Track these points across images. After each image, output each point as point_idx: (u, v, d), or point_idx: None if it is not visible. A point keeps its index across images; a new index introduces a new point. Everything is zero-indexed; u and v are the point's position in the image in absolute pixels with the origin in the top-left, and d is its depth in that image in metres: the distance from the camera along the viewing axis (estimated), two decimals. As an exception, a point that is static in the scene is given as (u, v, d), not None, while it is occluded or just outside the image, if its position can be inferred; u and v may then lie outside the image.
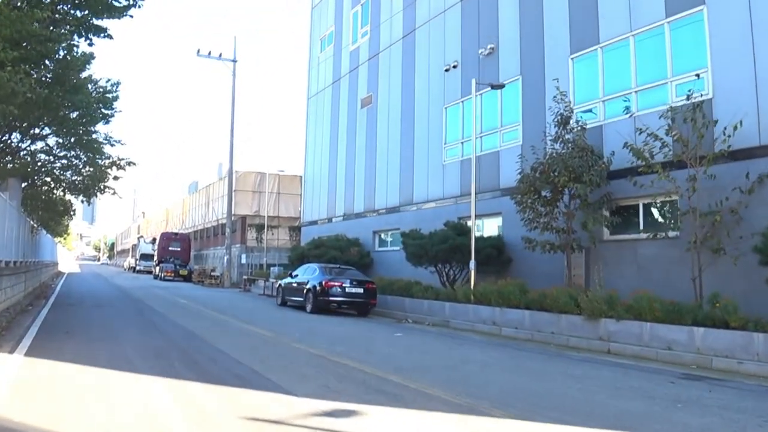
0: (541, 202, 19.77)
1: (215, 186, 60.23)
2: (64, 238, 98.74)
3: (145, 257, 70.20)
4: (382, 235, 33.31)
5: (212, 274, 46.63)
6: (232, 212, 46.00)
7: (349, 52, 38.09)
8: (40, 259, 34.83)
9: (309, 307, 23.04)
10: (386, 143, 32.81)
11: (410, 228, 28.85)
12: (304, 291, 23.59)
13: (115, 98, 24.58)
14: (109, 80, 24.04)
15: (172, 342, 13.35)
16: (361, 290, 22.80)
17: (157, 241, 62.01)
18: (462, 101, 27.39)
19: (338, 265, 25.37)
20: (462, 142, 27.15)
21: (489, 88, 23.18)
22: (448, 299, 21.28)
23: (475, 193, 24.88)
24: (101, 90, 23.80)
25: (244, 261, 45.32)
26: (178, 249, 57.99)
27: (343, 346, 13.37)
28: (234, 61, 46.58)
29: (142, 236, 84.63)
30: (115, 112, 25.69)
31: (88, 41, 18.43)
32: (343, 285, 22.60)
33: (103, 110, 24.77)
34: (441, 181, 28.14)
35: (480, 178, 25.62)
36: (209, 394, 7.96)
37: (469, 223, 24.92)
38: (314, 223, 40.75)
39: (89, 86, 23.46)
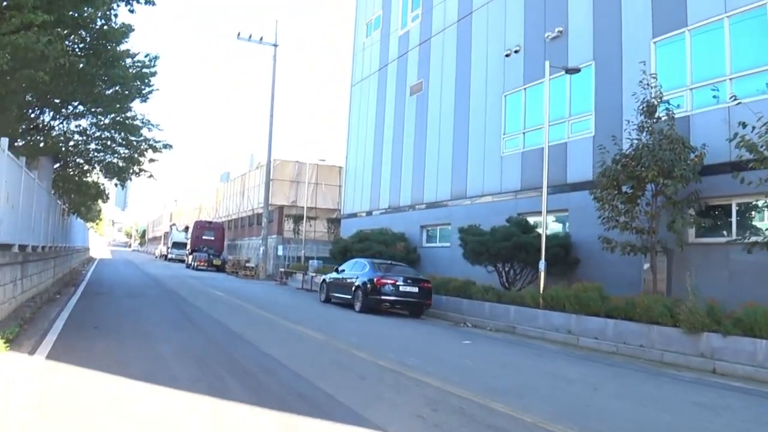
0: (621, 198, 17.73)
1: (251, 175, 58.69)
2: (97, 224, 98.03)
3: (178, 245, 68.95)
4: (430, 230, 31.40)
5: (247, 265, 45.05)
6: (269, 202, 44.33)
7: (397, 37, 36.18)
8: (71, 244, 33.40)
9: (358, 306, 21.20)
10: (437, 133, 30.86)
11: (461, 223, 27.02)
12: (353, 288, 21.75)
13: (153, 74, 22.83)
14: (147, 54, 22.29)
15: (214, 343, 11.58)
16: (415, 289, 20.90)
17: (191, 230, 60.70)
18: (524, 88, 25.38)
19: (389, 261, 23.48)
20: (524, 133, 25.15)
21: (558, 74, 21.17)
22: (513, 302, 19.32)
23: (548, 187, 23.15)
24: (139, 65, 22.06)
25: (281, 253, 43.56)
26: (212, 238, 56.54)
27: (413, 356, 11.48)
28: (275, 45, 44.96)
29: (174, 224, 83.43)
30: (153, 89, 23.95)
31: (128, 6, 16.69)
32: (397, 283, 20.71)
33: (140, 87, 23.06)
34: (498, 174, 26.16)
35: (543, 172, 23.72)
36: (273, 425, 6.12)
37: (532, 219, 23.10)
38: (355, 215, 38.95)
39: (127, 60, 21.75)
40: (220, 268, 50.19)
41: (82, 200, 33.46)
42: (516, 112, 25.86)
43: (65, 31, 13.67)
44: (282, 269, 39.36)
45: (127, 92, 22.38)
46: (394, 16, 36.98)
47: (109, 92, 22.17)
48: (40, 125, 21.93)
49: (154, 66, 22.61)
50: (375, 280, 20.78)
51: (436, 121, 31.08)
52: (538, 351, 14.45)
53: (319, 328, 15.11)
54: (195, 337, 12.36)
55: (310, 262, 36.48)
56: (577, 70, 20.33)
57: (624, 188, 17.75)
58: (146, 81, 23.15)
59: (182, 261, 64.66)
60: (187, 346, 11.03)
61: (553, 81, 23.88)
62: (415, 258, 29.85)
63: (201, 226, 58.40)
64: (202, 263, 50.27)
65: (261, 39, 44.42)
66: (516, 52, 26.01)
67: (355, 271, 22.46)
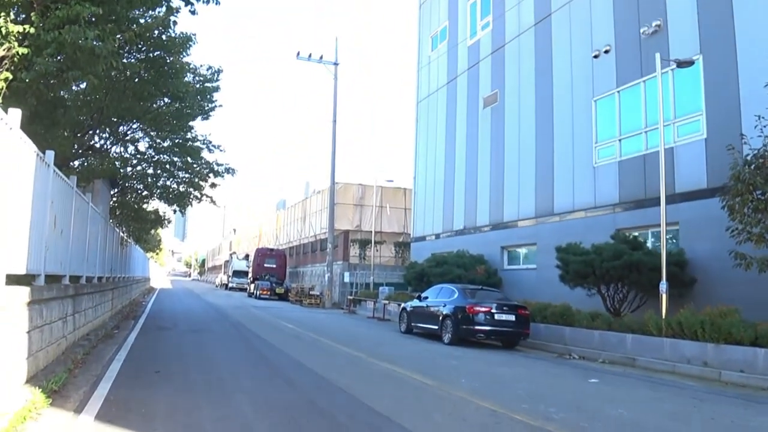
0: (757, 205, 15.11)
1: (312, 199, 56.98)
2: (156, 254, 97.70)
3: (238, 274, 67.50)
4: (512, 252, 28.94)
5: (311, 293, 43.04)
6: (333, 227, 42.37)
7: (466, 47, 34.02)
8: (130, 274, 31.86)
9: (447, 337, 18.85)
10: (517, 145, 28.49)
11: (550, 243, 24.71)
12: (440, 317, 19.44)
13: (216, 89, 21.09)
14: (210, 67, 20.53)
15: (300, 392, 9.45)
16: (512, 317, 18.48)
17: (252, 258, 59.14)
18: (618, 91, 22.95)
19: (480, 287, 21.06)
20: (619, 140, 22.67)
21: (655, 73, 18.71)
22: (628, 330, 16.77)
23: (646, 199, 20.75)
24: (201, 78, 20.32)
25: (347, 279, 41.40)
26: (274, 266, 54.80)
27: (549, 404, 9.13)
28: (335, 63, 43.25)
29: (234, 252, 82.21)
30: (216, 105, 22.20)
31: (189, 6, 14.82)
32: (491, 311, 18.31)
33: (201, 103, 21.33)
34: (591, 187, 23.67)
35: (646, 182, 21.24)
36: None
37: (640, 236, 20.62)
38: (425, 238, 36.71)
39: (188, 75, 20.00)
40: (282, 297, 48.34)
41: (142, 226, 31.90)
42: (609, 117, 23.41)
43: (119, 36, 11.69)
44: (349, 297, 37.20)
45: (188, 110, 20.64)
46: (461, 26, 34.86)
47: (168, 109, 20.52)
48: (96, 146, 20.22)
49: (217, 80, 20.84)
50: (466, 308, 18.43)
51: (515, 133, 28.73)
52: (681, 391, 11.90)
53: (416, 367, 12.83)
54: (275, 383, 10.23)
55: (380, 288, 34.27)
56: (690, 63, 17.87)
57: (757, 193, 15.17)
58: (208, 96, 21.39)
59: (243, 290, 63.18)
60: (269, 397, 8.91)
61: (649, 81, 21.64)
62: (497, 282, 27.41)
63: (263, 254, 56.76)
64: (264, 292, 48.47)
65: (321, 58, 42.78)
66: (606, 52, 23.63)
67: (442, 298, 20.16)
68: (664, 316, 16.26)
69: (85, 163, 19.96)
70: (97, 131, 19.43)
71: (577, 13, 25.51)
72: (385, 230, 46.54)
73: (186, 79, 19.53)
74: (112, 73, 13.27)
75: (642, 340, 16.23)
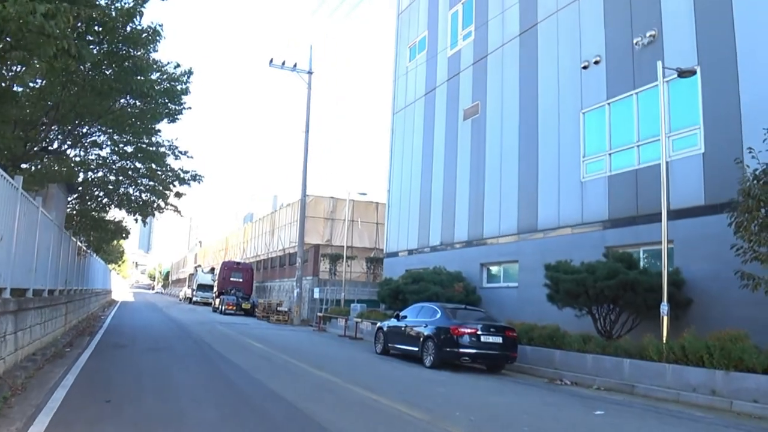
0: (761, 224, 14.05)
1: (282, 212, 55.35)
2: (119, 266, 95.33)
3: (203, 288, 65.50)
4: (492, 269, 27.72)
5: (279, 309, 41.39)
6: (303, 241, 40.87)
7: (446, 57, 32.92)
8: (89, 286, 30.11)
9: (429, 360, 17.48)
10: (498, 159, 27.35)
11: (533, 260, 23.80)
12: (421, 339, 18.09)
13: (185, 91, 19.59)
14: (178, 65, 19.01)
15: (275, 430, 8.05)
16: (499, 340, 17.19)
17: (218, 271, 57.30)
18: (608, 103, 21.92)
19: (463, 306, 19.74)
20: (609, 154, 21.61)
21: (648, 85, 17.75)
22: (626, 355, 15.59)
23: (638, 216, 19.73)
24: (168, 77, 18.80)
25: (317, 295, 39.79)
26: (241, 280, 53.08)
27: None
28: (310, 72, 41.99)
29: (199, 265, 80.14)
30: (184, 107, 20.71)
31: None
32: (477, 332, 16.98)
33: (168, 104, 19.83)
34: (578, 203, 22.57)
35: (638, 198, 20.22)
36: None
37: (637, 253, 19.54)
38: (398, 254, 35.37)
39: (155, 74, 18.49)
40: (249, 312, 46.59)
41: (102, 236, 30.13)
42: (598, 131, 22.37)
43: (75, 14, 10.24)
44: (319, 314, 35.67)
45: (153, 111, 19.15)
46: (441, 36, 33.77)
47: (131, 109, 19.03)
48: (51, 147, 18.57)
49: (187, 82, 19.35)
50: (450, 329, 17.10)
51: (497, 146, 27.59)
52: (701, 425, 10.69)
53: (401, 396, 11.48)
54: (244, 415, 8.82)
55: (352, 306, 32.84)
56: (692, 72, 16.87)
57: (764, 211, 14.13)
58: (176, 99, 19.91)
59: (208, 304, 61.28)
60: (239, 437, 7.52)
61: (642, 94, 20.68)
62: (476, 300, 26.12)
63: (229, 267, 55.00)
64: (230, 307, 46.67)
65: (295, 66, 41.46)
66: (596, 63, 22.62)
67: (423, 318, 18.83)
68: (665, 340, 15.12)
69: (39, 165, 18.32)
70: (53, 130, 17.77)
71: (565, 23, 24.52)
72: (356, 245, 45.13)
73: (152, 77, 18.06)
74: (69, 62, 11.78)
75: (641, 365, 15.05)
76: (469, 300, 25.40)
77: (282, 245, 53.07)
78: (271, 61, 41.00)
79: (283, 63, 41.28)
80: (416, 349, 18.31)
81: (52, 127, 17.06)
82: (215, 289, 55.89)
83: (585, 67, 23.06)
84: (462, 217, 29.43)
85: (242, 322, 36.78)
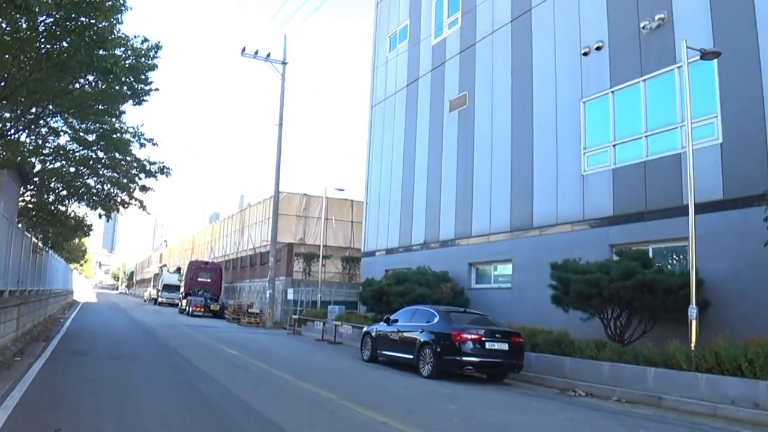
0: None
1: (252, 210, 53.24)
2: (81, 265, 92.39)
3: (169, 288, 63.04)
4: (482, 269, 26.04)
5: (250, 311, 39.31)
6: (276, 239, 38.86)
7: (430, 46, 31.22)
8: (47, 287, 27.89)
9: (426, 370, 15.69)
10: (489, 152, 25.69)
11: (528, 259, 22.39)
12: (417, 345, 16.29)
13: (152, 67, 17.59)
14: (145, 40, 16.98)
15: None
16: (505, 346, 15.46)
17: (184, 271, 54.95)
18: (611, 91, 20.40)
19: (463, 309, 17.95)
20: (613, 145, 20.07)
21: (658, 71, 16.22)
22: (648, 363, 13.98)
23: (648, 212, 18.25)
24: (133, 52, 16.78)
25: (291, 297, 37.71)
26: (209, 280, 50.83)
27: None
28: (284, 63, 39.95)
29: (165, 265, 77.63)
30: (151, 89, 18.72)
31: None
32: (482, 339, 15.25)
33: (133, 83, 17.83)
34: (579, 198, 21.00)
35: (647, 193, 18.70)
36: None
37: (647, 252, 17.98)
38: (377, 253, 33.57)
39: (118, 50, 16.44)
40: (218, 314, 44.42)
41: (61, 231, 27.88)
42: (600, 121, 20.83)
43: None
44: (295, 316, 33.70)
45: (117, 89, 17.15)
46: (424, 25, 32.06)
47: (93, 89, 17.02)
48: None
49: (154, 57, 17.36)
50: (452, 335, 15.33)
51: (487, 139, 25.93)
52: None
53: (410, 417, 9.73)
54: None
55: (329, 308, 30.95)
56: (716, 54, 15.33)
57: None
58: (142, 77, 17.92)
59: (174, 305, 58.92)
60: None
61: (651, 81, 19.20)
62: (464, 302, 24.38)
63: (196, 267, 52.70)
64: (198, 309, 44.43)
65: (268, 56, 39.43)
66: (598, 49, 21.08)
67: (417, 322, 17.05)
68: (693, 346, 13.56)
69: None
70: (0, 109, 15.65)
71: (562, 7, 22.97)
72: (330, 244, 43.16)
73: (117, 52, 16.07)
74: (13, 18, 9.87)
75: (667, 374, 13.44)
76: (458, 302, 23.76)
77: (252, 244, 50.99)
78: (244, 50, 38.96)
79: (256, 52, 39.25)
80: (410, 356, 16.54)
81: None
82: (182, 289, 53.60)
83: (585, 54, 21.52)
84: (448, 214, 27.72)
85: (211, 324, 34.70)
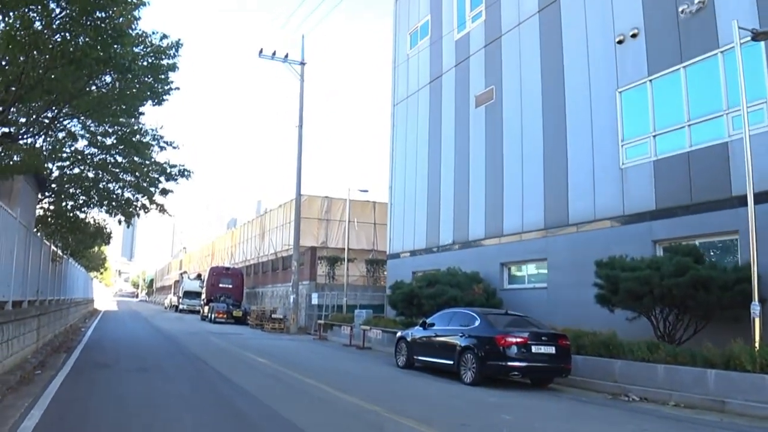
0: None
1: (272, 214, 52.54)
2: (101, 273, 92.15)
3: (190, 295, 62.57)
4: (515, 268, 25.14)
5: (273, 316, 38.56)
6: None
7: (453, 41, 30.35)
8: (68, 296, 27.26)
9: (469, 376, 14.82)
10: (519, 147, 24.80)
11: (565, 258, 21.46)
12: (457, 350, 15.41)
13: (172, 67, 16.83)
14: (164, 36, 16.20)
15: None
16: (552, 350, 14.57)
17: (206, 277, 54.35)
18: (649, 80, 19.46)
19: (504, 311, 17.00)
20: (653, 136, 19.13)
21: (702, 55, 15.28)
22: (706, 364, 13.05)
23: (693, 204, 17.34)
24: (152, 49, 16.00)
25: (315, 301, 36.93)
26: (230, 286, 50.18)
27: None
28: (302, 63, 39.27)
29: (185, 271, 77.08)
30: (171, 88, 17.98)
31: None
32: (528, 342, 14.36)
33: (153, 83, 17.09)
34: (618, 192, 20.06)
35: (692, 184, 17.76)
36: None
37: (695, 245, 17.01)
38: (402, 255, 32.68)
39: (136, 48, 15.65)
40: (240, 321, 43.69)
41: (81, 238, 27.19)
42: (638, 111, 19.89)
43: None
44: (320, 321, 32.90)
45: (136, 89, 16.42)
46: (446, 19, 31.19)
47: (110, 91, 16.29)
48: (12, 131, 15.66)
49: (174, 56, 16.58)
50: (495, 338, 14.45)
51: (516, 133, 25.03)
52: None
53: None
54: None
55: (356, 312, 30.14)
56: (768, 34, 14.34)
57: None
58: (162, 77, 17.16)
59: (195, 312, 58.44)
60: None
61: (691, 68, 18.32)
62: (497, 303, 23.53)
63: (217, 273, 52.07)
64: (220, 315, 43.75)
65: (286, 56, 38.73)
66: (633, 36, 20.14)
67: (456, 325, 16.18)
68: (757, 347, 12.62)
69: (1, 154, 15.49)
70: (15, 112, 14.88)
71: (593, -6, 22.07)
72: (353, 247, 42.39)
73: (135, 50, 15.31)
74: (33, 15, 9.13)
75: (730, 377, 12.50)
76: (491, 303, 22.93)
77: (273, 248, 50.28)
78: (261, 51, 38.31)
79: (274, 53, 38.59)
80: (450, 362, 15.66)
81: (14, 108, 14.20)
82: (203, 296, 53.04)
83: (620, 42, 20.60)
84: (477, 213, 26.83)
85: (235, 331, 33.98)
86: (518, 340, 14.30)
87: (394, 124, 35.49)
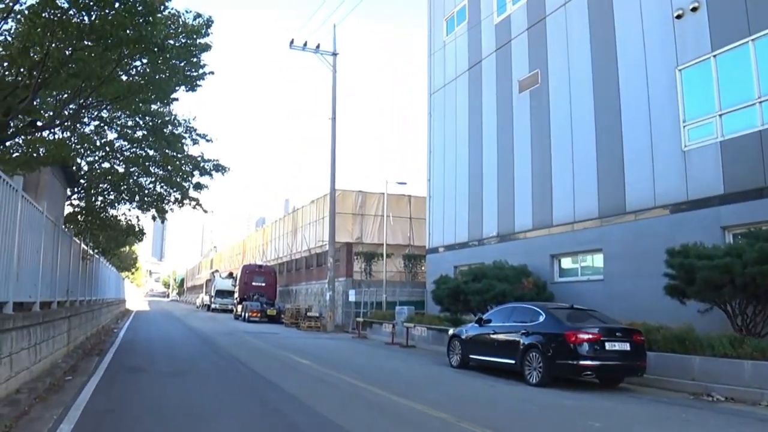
0: None
1: (305, 210, 51.51)
2: (133, 273, 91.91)
3: (222, 294, 61.85)
4: (567, 260, 23.82)
5: (309, 314, 37.48)
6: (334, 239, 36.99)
7: (492, 25, 29.07)
8: (99, 296, 26.41)
9: (535, 376, 13.60)
10: (568, 132, 23.48)
11: (623, 248, 20.29)
12: (520, 348, 14.17)
13: (206, 47, 15.71)
14: (197, 15, 15.05)
15: None
16: (626, 346, 13.27)
17: (238, 275, 53.49)
18: (714, 55, 18.09)
19: (570, 306, 15.64)
20: (719, 115, 17.76)
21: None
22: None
23: (770, 187, 15.92)
24: (184, 29, 14.86)
25: (352, 298, 35.84)
26: (263, 284, 49.25)
27: None
28: (334, 54, 38.14)
29: (217, 270, 76.40)
30: (205, 73, 16.89)
31: None
32: (601, 338, 13.10)
33: (185, 67, 16.01)
34: (681, 176, 18.71)
35: (766, 164, 16.39)
36: None
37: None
38: (442, 249, 31.46)
39: (169, 27, 14.52)
40: (274, 319, 42.75)
41: (112, 235, 26.23)
42: (701, 89, 18.52)
43: None
44: (359, 319, 31.76)
45: (168, 71, 15.34)
46: (485, 3, 29.89)
47: (141, 75, 15.26)
48: (38, 122, 14.58)
49: (206, 34, 15.46)
50: (565, 335, 13.19)
51: (565, 118, 23.72)
52: None
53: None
54: None
55: (397, 309, 28.97)
56: None
57: None
58: (194, 58, 16.08)
59: (227, 311, 57.73)
60: None
61: (760, 40, 16.98)
62: (548, 297, 22.28)
63: (250, 271, 51.14)
64: (254, 314, 42.84)
65: (318, 47, 37.63)
66: (693, 10, 18.75)
67: (517, 321, 14.94)
68: None
69: (21, 144, 14.44)
70: (38, 98, 13.80)
71: (646, -33, 20.69)
72: (389, 242, 41.27)
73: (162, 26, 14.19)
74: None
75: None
76: (541, 297, 21.69)
77: (307, 245, 49.27)
78: (292, 42, 37.31)
79: (305, 44, 37.56)
80: (512, 361, 14.43)
81: (38, 94, 13.14)
82: (236, 295, 52.23)
83: (679, 17, 19.23)
84: (524, 203, 25.53)
85: (271, 330, 32.97)
86: (591, 336, 13.03)
87: (431, 113, 34.24)
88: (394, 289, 36.48)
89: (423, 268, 38.08)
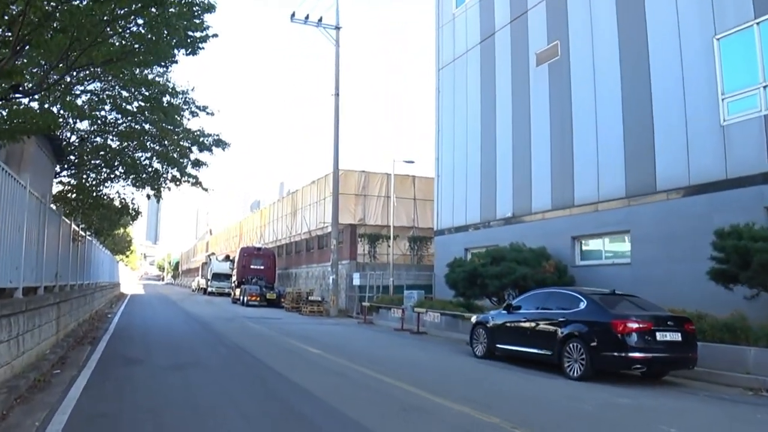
0: None
1: (305, 190, 50.06)
2: (127, 256, 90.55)
3: (219, 277, 60.49)
4: (589, 242, 22.49)
5: (311, 299, 36.11)
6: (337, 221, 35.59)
7: (507, -5, 27.57)
8: (92, 280, 24.99)
9: (576, 370, 12.26)
10: (592, 106, 22.10)
11: (652, 230, 19.04)
12: (558, 338, 12.84)
13: (209, 7, 14.24)
14: (197, -28, 13.58)
15: None
16: (678, 337, 11.95)
17: (236, 258, 52.09)
18: (757, 22, 16.80)
19: (612, 291, 14.27)
20: (764, 86, 16.40)
21: None
22: None
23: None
24: (184, -11, 13.36)
25: (356, 282, 34.45)
26: (262, 267, 47.89)
27: None
28: (337, 27, 36.55)
29: (213, 253, 74.93)
30: (208, 35, 15.40)
31: None
32: (652, 328, 11.77)
33: (186, 28, 14.52)
34: (719, 153, 17.37)
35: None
36: None
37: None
38: (452, 230, 30.12)
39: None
40: (274, 303, 41.33)
41: (105, 214, 24.78)
42: (742, 59, 17.15)
43: None
44: (365, 303, 30.39)
45: (167, 32, 13.83)
46: (497, -28, 28.39)
47: (137, 35, 13.78)
48: (21, 85, 13.05)
49: (209, -6, 13.99)
50: (611, 324, 11.85)
51: (588, 91, 22.32)
52: None
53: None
54: None
55: (406, 293, 27.66)
56: None
57: None
58: (196, 22, 14.61)
59: (224, 294, 56.39)
60: None
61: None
62: (568, 281, 21.03)
63: (249, 254, 49.74)
64: (253, 298, 41.41)
65: (320, 20, 36.06)
66: (734, -28, 17.33)
67: (552, 308, 13.63)
68: None
69: (5, 111, 12.97)
70: (18, 57, 12.24)
71: (680, -72, 19.23)
72: (394, 224, 39.95)
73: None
74: None
75: None
76: (563, 282, 20.50)
77: (307, 227, 47.87)
78: (293, 15, 35.74)
79: (307, 17, 35.97)
80: (548, 352, 13.10)
81: (20, 54, 11.66)
82: (234, 278, 50.87)
83: (717, -20, 17.80)
84: (542, 181, 24.15)
85: (272, 315, 31.61)
86: (641, 325, 11.69)
87: (439, 89, 32.76)
88: (400, 272, 35.11)
89: (429, 250, 36.80)
